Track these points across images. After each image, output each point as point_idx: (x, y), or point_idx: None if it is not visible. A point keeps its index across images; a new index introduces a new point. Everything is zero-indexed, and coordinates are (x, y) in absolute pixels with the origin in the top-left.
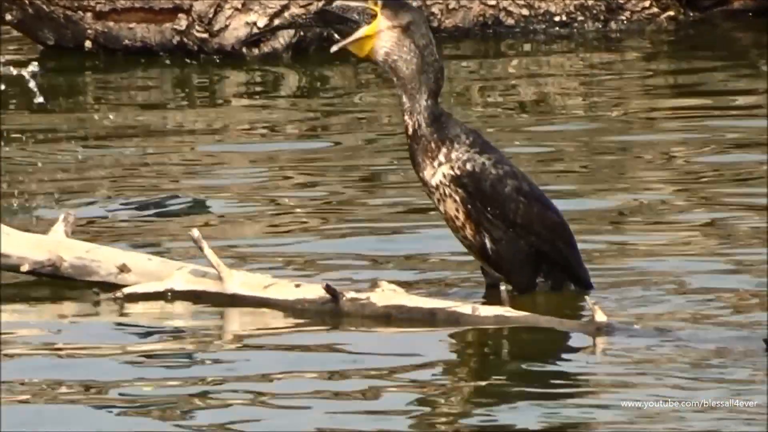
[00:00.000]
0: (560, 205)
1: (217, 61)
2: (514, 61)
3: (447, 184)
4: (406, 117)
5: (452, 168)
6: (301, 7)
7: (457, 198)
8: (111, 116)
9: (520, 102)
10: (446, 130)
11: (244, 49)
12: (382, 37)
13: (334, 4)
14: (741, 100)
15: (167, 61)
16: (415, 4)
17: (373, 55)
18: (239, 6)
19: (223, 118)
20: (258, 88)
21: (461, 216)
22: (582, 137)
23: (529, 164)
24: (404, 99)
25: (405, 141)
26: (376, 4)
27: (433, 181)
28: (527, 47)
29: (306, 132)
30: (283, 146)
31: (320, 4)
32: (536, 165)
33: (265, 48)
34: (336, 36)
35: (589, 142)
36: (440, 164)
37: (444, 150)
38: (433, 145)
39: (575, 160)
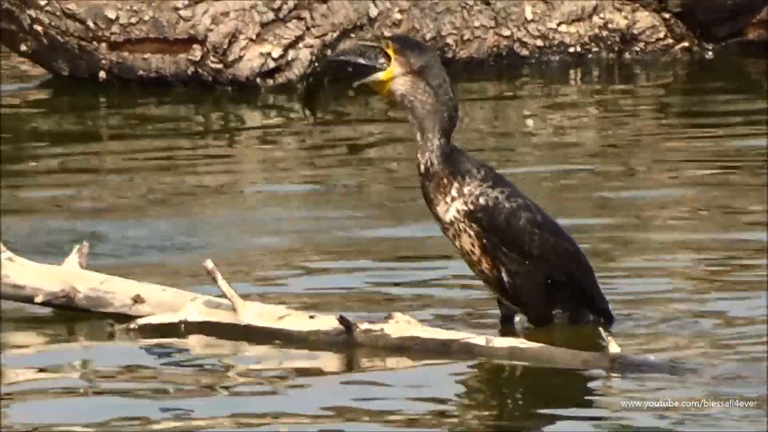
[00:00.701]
0: (572, 232)
1: (230, 91)
2: (529, 92)
3: (461, 219)
4: (419, 154)
5: (465, 203)
6: (316, 38)
7: (472, 233)
8: (126, 146)
9: (535, 134)
10: (458, 165)
11: (258, 80)
12: (397, 81)
13: (350, 47)
14: (753, 130)
15: (182, 92)
16: (430, 35)
17: (391, 95)
18: (254, 37)
19: (237, 150)
20: (272, 120)
21: (477, 250)
22: (593, 168)
23: (543, 197)
24: (418, 137)
25: (418, 176)
26: (389, 46)
27: (447, 217)
28: (541, 78)
29: (320, 164)
30: (297, 178)
31: (334, 34)
32: (549, 198)
33: (280, 79)
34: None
35: (601, 173)
36: (453, 199)
37: (456, 185)
38: (445, 180)
39: (588, 190)
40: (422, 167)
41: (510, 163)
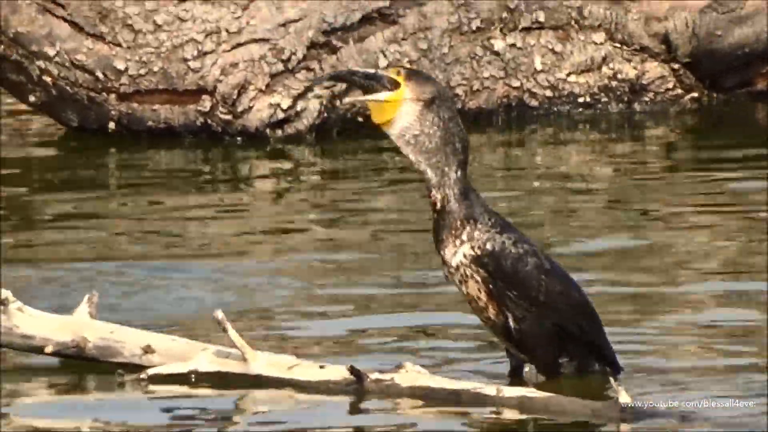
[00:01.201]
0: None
1: (239, 142)
2: (538, 143)
3: (468, 264)
4: (434, 191)
5: (473, 248)
6: (325, 88)
7: (479, 278)
8: (135, 197)
9: (544, 184)
10: (472, 207)
11: (267, 131)
12: (404, 108)
13: (359, 70)
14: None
15: (191, 143)
16: None
17: (389, 126)
18: (263, 87)
19: (246, 202)
20: (281, 171)
21: (483, 296)
22: (604, 220)
23: (552, 245)
24: (429, 174)
25: (430, 217)
26: (399, 74)
27: (454, 261)
28: (551, 129)
29: (329, 214)
30: (306, 228)
31: (343, 85)
32: (559, 247)
33: (289, 129)
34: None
35: (611, 225)
36: (462, 243)
37: (468, 229)
38: (458, 223)
39: (597, 238)
40: (438, 203)
41: (519, 208)
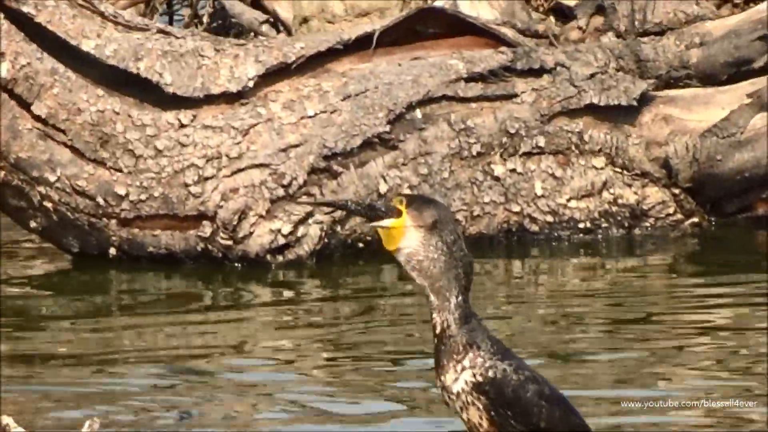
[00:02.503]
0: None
1: (239, 267)
2: (538, 269)
3: (469, 391)
4: (435, 315)
5: (474, 375)
6: (326, 214)
7: (480, 405)
8: (136, 324)
9: (543, 313)
10: (475, 332)
11: (268, 257)
12: (407, 236)
13: (358, 201)
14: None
15: (191, 268)
16: None
17: (396, 254)
18: (263, 213)
19: (247, 330)
20: (283, 298)
21: (485, 423)
22: (603, 349)
23: (551, 371)
24: (432, 298)
25: (432, 342)
26: (401, 203)
27: (455, 388)
28: (551, 254)
29: (332, 341)
30: (309, 354)
31: (344, 213)
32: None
33: (290, 255)
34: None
35: (610, 357)
36: (463, 369)
37: (470, 355)
38: (460, 347)
39: (597, 365)
40: (438, 327)
41: (517, 336)
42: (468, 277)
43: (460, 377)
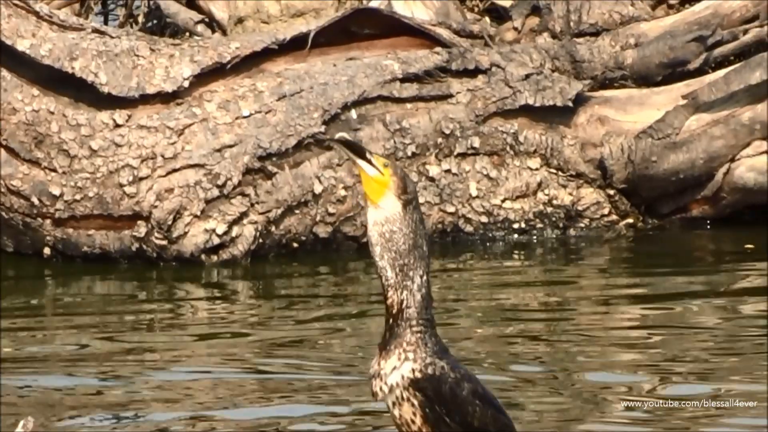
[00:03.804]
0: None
1: (174, 267)
2: (473, 269)
3: (405, 387)
4: (392, 293)
5: (414, 371)
6: (260, 214)
7: (416, 402)
8: (70, 325)
9: (479, 310)
10: (427, 325)
11: (203, 256)
12: (386, 199)
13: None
14: (696, 308)
15: (126, 268)
16: None
17: (374, 211)
18: (198, 213)
19: (181, 330)
20: (217, 297)
21: (418, 420)
22: (539, 346)
23: (487, 373)
24: (389, 273)
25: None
26: (386, 166)
27: (391, 379)
28: (486, 255)
29: (263, 342)
30: (241, 356)
31: (279, 211)
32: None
33: (224, 255)
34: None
35: (547, 356)
36: (406, 360)
37: (418, 349)
38: (412, 338)
39: (532, 371)
40: (395, 308)
41: (451, 334)
42: (428, 260)
43: (400, 368)
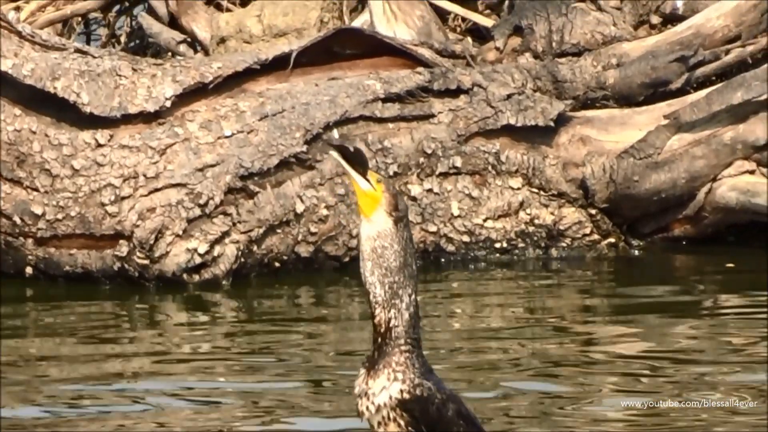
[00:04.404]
0: None
1: (156, 287)
2: (455, 289)
3: (393, 407)
4: (379, 311)
5: (402, 392)
6: (242, 233)
7: (402, 422)
8: (52, 345)
9: (460, 329)
10: (413, 346)
11: (185, 276)
12: (378, 215)
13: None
14: (679, 330)
15: (107, 288)
16: (356, 231)
17: (367, 225)
18: (180, 232)
19: (163, 349)
20: (199, 316)
21: None
22: (520, 366)
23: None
24: (378, 290)
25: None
26: (379, 182)
27: (379, 399)
28: (467, 274)
29: (248, 362)
30: (225, 376)
31: (261, 230)
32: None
33: (206, 274)
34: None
35: (528, 376)
36: (395, 380)
37: (407, 370)
38: (401, 357)
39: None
40: (383, 326)
41: (432, 352)
42: (416, 280)
43: (389, 388)
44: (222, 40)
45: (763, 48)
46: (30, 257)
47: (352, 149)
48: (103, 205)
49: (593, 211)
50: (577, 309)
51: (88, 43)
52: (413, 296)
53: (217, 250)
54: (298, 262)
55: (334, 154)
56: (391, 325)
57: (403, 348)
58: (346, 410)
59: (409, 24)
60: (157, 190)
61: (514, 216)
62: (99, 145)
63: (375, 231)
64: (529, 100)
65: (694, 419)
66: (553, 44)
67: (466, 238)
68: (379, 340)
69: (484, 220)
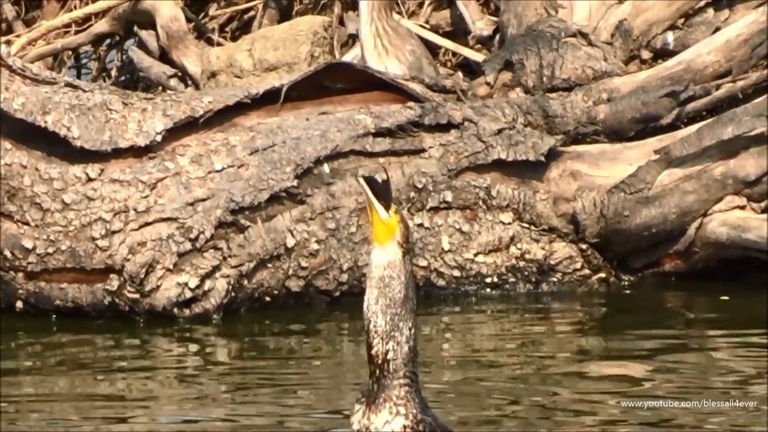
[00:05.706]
0: None
1: (146, 321)
2: (445, 323)
3: None
4: (377, 342)
5: (405, 427)
6: (233, 268)
7: None
8: (42, 382)
9: (451, 364)
10: (412, 380)
11: (175, 310)
12: (391, 246)
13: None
14: (671, 364)
15: (98, 322)
16: (347, 265)
17: (380, 250)
18: (171, 267)
19: (153, 384)
20: (189, 351)
21: None
22: (509, 402)
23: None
24: (380, 321)
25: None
26: (395, 212)
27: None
28: (458, 309)
29: (239, 397)
30: (215, 411)
31: (251, 264)
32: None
33: (197, 308)
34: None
35: (517, 411)
36: (398, 415)
37: (409, 404)
38: (402, 391)
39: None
40: (380, 358)
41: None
42: (415, 314)
43: (392, 422)
44: (212, 75)
45: (754, 83)
46: (20, 291)
47: (380, 181)
48: (93, 239)
49: (584, 246)
50: (568, 344)
51: (78, 77)
52: (413, 330)
53: (207, 284)
54: (288, 296)
55: (361, 181)
56: (388, 357)
57: (402, 381)
58: None
59: (400, 59)
60: (147, 224)
61: (505, 251)
62: (90, 179)
63: (386, 260)
64: (520, 135)
65: None
66: (544, 79)
67: (456, 273)
68: (377, 372)
69: (475, 255)
